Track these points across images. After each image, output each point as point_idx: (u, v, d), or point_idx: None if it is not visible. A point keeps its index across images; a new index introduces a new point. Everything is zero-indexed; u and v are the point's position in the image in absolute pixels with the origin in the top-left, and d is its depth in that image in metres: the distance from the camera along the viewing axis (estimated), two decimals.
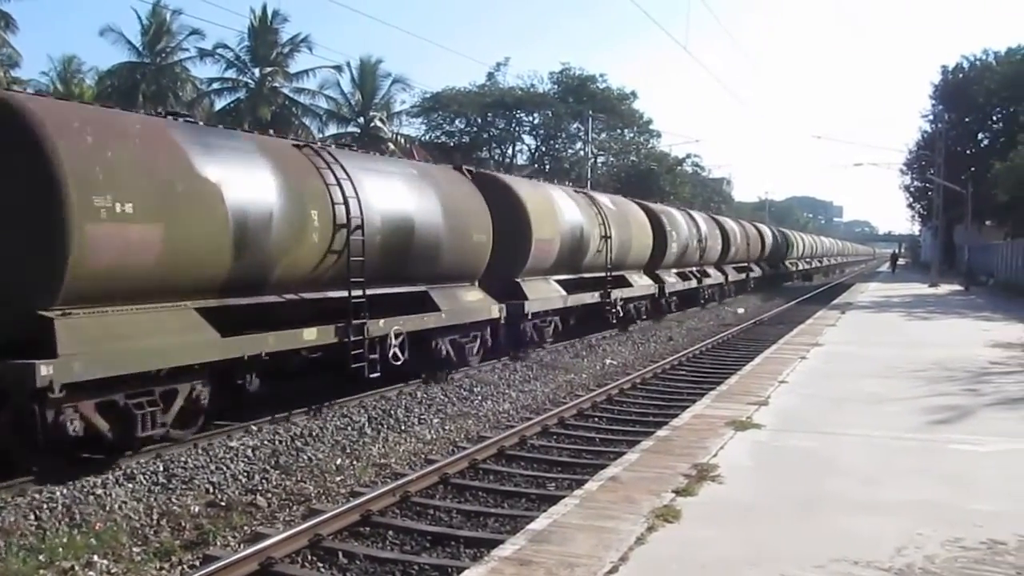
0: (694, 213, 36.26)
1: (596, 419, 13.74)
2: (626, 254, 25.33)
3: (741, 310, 35.62)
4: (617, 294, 24.36)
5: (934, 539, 5.84)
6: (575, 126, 60.48)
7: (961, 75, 58.04)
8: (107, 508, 8.67)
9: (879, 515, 6.45)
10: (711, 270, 36.78)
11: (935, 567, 5.36)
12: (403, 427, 12.72)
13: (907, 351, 16.49)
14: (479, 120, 59.81)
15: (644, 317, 27.56)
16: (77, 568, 7.21)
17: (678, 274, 31.63)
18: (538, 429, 12.54)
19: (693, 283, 33.41)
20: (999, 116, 55.74)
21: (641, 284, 26.92)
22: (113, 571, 7.28)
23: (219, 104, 50.41)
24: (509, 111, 59.88)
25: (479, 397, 15.05)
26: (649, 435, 9.82)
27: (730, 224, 42.22)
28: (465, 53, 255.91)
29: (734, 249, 40.38)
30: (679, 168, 69.72)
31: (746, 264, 44.73)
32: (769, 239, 52.36)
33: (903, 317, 25.69)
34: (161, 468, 9.93)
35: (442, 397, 14.75)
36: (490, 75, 60.83)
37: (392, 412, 13.43)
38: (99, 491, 9.09)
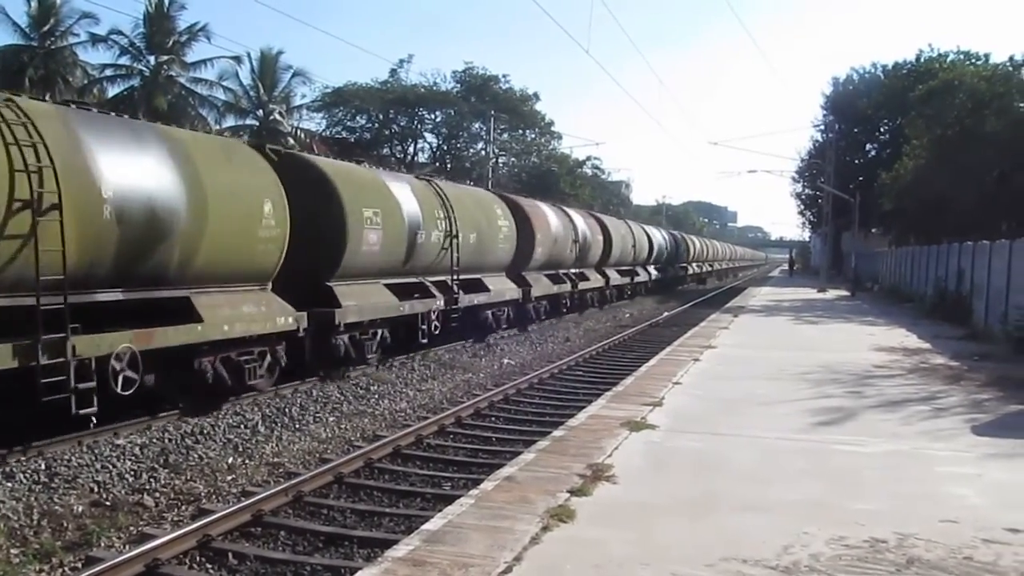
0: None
1: (493, 418, 13.76)
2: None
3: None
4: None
5: (819, 538, 6.01)
6: (477, 125, 60.56)
7: (851, 87, 59.84)
8: None
9: (768, 514, 6.61)
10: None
11: (820, 565, 5.51)
12: (298, 426, 12.54)
13: (796, 354, 16.95)
14: (381, 117, 59.37)
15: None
16: None
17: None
18: (435, 428, 12.51)
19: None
20: (886, 128, 57.57)
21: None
22: None
23: (112, 91, 48.67)
24: (411, 108, 59.56)
25: (376, 396, 14.93)
26: (545, 435, 9.86)
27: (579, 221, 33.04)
28: (368, 48, 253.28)
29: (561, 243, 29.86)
30: (579, 170, 70.42)
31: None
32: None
33: (792, 321, 26.37)
34: (43, 466, 9.59)
35: (338, 395, 14.58)
36: (393, 72, 60.43)
37: (287, 410, 13.22)
38: None
